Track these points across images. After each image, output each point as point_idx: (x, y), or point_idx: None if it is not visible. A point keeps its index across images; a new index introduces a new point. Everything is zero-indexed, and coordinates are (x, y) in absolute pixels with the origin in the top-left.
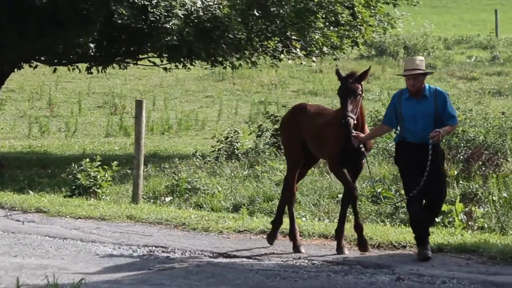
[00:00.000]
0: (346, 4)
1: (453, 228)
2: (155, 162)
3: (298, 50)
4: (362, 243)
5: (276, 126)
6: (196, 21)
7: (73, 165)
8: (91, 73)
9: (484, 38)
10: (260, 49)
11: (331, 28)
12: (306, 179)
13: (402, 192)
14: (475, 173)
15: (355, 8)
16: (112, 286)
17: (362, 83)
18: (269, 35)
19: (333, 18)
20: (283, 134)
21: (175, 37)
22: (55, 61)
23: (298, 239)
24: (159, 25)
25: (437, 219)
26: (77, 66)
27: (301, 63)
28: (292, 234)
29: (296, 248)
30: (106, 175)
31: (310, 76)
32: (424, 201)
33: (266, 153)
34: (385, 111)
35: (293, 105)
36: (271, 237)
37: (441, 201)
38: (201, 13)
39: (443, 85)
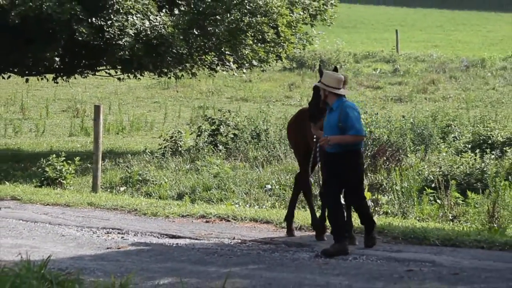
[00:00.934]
0: (271, 25)
1: None
2: (111, 157)
3: (231, 63)
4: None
5: (213, 127)
6: (144, 38)
7: (42, 160)
8: (57, 82)
9: (387, 53)
10: (199, 62)
11: (259, 44)
12: (238, 171)
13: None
14: (381, 166)
15: (279, 28)
16: (76, 262)
17: None
18: (206, 50)
19: (260, 36)
20: (290, 135)
21: (127, 52)
22: (26, 72)
23: (322, 229)
24: (114, 42)
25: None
26: (45, 76)
27: (234, 74)
28: (315, 225)
29: (320, 237)
30: (70, 168)
31: (241, 85)
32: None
33: (205, 150)
34: None
35: (227, 109)
36: (290, 230)
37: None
38: (149, 32)
39: (353, 93)
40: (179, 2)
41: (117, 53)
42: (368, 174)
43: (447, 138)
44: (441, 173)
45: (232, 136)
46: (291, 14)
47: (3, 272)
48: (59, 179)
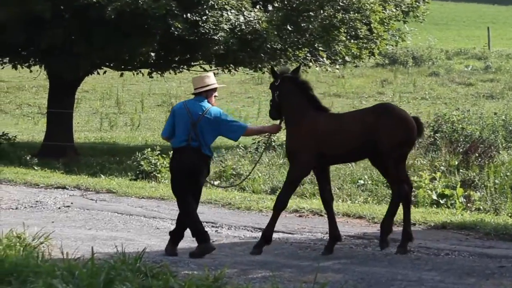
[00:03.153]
0: (364, 21)
1: (454, 209)
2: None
3: (324, 59)
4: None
5: None
6: (239, 33)
7: (137, 153)
8: (152, 77)
9: (478, 50)
10: (293, 58)
11: (352, 40)
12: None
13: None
14: (473, 163)
15: (372, 24)
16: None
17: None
18: (300, 46)
19: (353, 33)
20: None
21: (222, 47)
22: (122, 67)
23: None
24: (208, 37)
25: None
26: (140, 71)
27: (327, 70)
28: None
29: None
30: (165, 162)
31: (334, 81)
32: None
33: None
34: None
35: None
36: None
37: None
38: (243, 27)
39: (445, 89)
40: None
41: (212, 48)
42: (460, 170)
43: None
44: None
45: None
46: (383, 11)
47: (98, 264)
48: (153, 173)
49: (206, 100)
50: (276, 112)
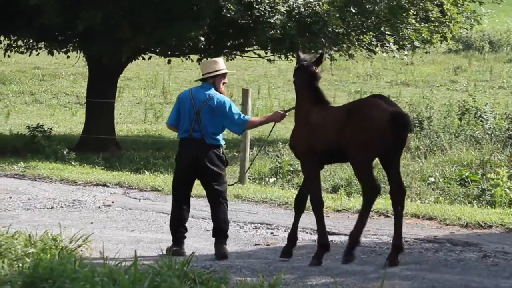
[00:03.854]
0: (435, 2)
1: None
2: (260, 146)
3: (391, 44)
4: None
5: None
6: (297, 16)
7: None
8: None
9: None
10: (357, 43)
11: (422, 23)
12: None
13: (489, 175)
14: None
15: (444, 6)
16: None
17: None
18: (364, 30)
19: (423, 15)
20: None
21: (278, 31)
22: (169, 52)
23: None
24: (264, 20)
25: None
26: (189, 57)
27: (394, 56)
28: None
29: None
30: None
31: (402, 68)
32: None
33: None
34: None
35: (387, 94)
36: None
37: None
38: (302, 9)
39: None
40: None
41: (267, 32)
42: None
43: None
44: None
45: None
46: None
47: (142, 269)
48: None
49: (213, 87)
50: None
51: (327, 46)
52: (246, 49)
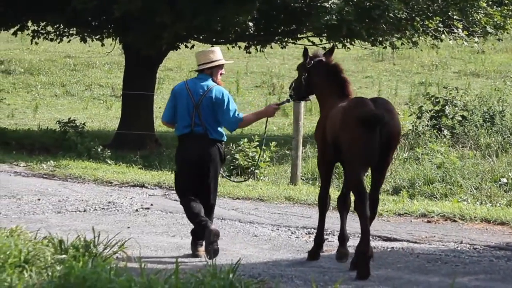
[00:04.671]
0: None
1: None
2: (314, 143)
3: (460, 30)
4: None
5: (437, 108)
6: (355, 0)
7: (231, 145)
8: (250, 52)
9: None
10: (421, 29)
11: (495, 7)
12: (466, 161)
13: None
14: None
15: None
16: (271, 267)
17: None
18: (430, 15)
19: None
20: None
21: (334, 16)
22: (213, 39)
23: None
24: (319, 4)
25: None
26: (236, 45)
27: (463, 44)
28: None
29: None
30: (264, 155)
31: (471, 57)
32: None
33: (427, 135)
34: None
35: (454, 86)
36: None
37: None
38: None
39: None
40: None
41: (323, 17)
42: None
43: None
44: None
45: (460, 118)
46: None
47: (183, 279)
48: (251, 168)
49: (210, 79)
50: (300, 94)
51: (388, 33)
52: (299, 36)
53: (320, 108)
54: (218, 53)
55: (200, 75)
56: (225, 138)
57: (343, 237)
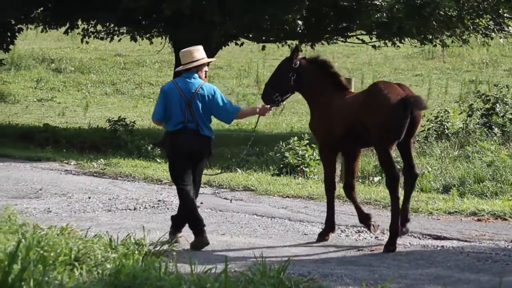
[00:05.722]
0: None
1: None
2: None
3: (510, 28)
4: None
5: (487, 106)
6: None
7: (280, 143)
8: (300, 50)
9: None
10: (471, 27)
11: None
12: None
13: None
14: None
15: None
16: (320, 266)
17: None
18: (480, 13)
19: None
20: None
21: (384, 14)
22: (263, 38)
23: None
24: (369, 1)
25: None
26: (286, 43)
27: None
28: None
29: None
30: (314, 154)
31: None
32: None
33: (477, 133)
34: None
35: (505, 84)
36: None
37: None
38: None
39: None
40: None
41: (373, 15)
42: None
43: None
44: None
45: (511, 116)
46: None
47: (233, 277)
48: (301, 166)
49: (197, 76)
50: (284, 92)
51: (438, 31)
52: (349, 34)
53: (312, 105)
54: (202, 51)
55: (187, 74)
56: (213, 136)
57: (366, 218)
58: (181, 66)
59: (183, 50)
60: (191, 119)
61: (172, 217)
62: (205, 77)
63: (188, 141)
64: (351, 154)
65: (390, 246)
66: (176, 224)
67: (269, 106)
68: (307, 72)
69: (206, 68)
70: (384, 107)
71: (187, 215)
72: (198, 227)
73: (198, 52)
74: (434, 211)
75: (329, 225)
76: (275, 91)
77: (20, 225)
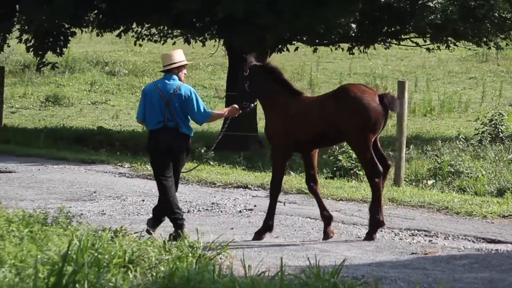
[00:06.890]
0: None
1: None
2: (417, 144)
3: None
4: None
5: None
6: None
7: (334, 147)
8: (353, 53)
9: None
10: None
11: None
12: None
13: None
14: None
15: None
16: (374, 269)
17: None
18: None
19: None
20: None
21: (438, 16)
22: (316, 41)
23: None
24: (422, 3)
25: None
26: (339, 46)
27: None
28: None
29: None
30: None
31: None
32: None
33: None
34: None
35: None
36: None
37: None
38: None
39: None
40: None
41: (427, 17)
42: None
43: None
44: None
45: None
46: None
47: (287, 280)
48: (354, 170)
49: (176, 78)
50: (244, 99)
51: (492, 33)
52: (402, 36)
53: (267, 109)
54: (181, 54)
55: (167, 75)
56: (192, 134)
57: (327, 218)
58: (163, 68)
59: (164, 53)
60: (170, 118)
61: (153, 209)
62: (184, 78)
63: (168, 139)
64: (310, 152)
65: (372, 235)
66: (156, 216)
67: (238, 106)
68: (258, 77)
69: (185, 70)
70: (364, 108)
71: (167, 208)
72: (177, 220)
73: (178, 55)
74: (489, 214)
75: (267, 226)
76: (242, 99)
77: (75, 227)
